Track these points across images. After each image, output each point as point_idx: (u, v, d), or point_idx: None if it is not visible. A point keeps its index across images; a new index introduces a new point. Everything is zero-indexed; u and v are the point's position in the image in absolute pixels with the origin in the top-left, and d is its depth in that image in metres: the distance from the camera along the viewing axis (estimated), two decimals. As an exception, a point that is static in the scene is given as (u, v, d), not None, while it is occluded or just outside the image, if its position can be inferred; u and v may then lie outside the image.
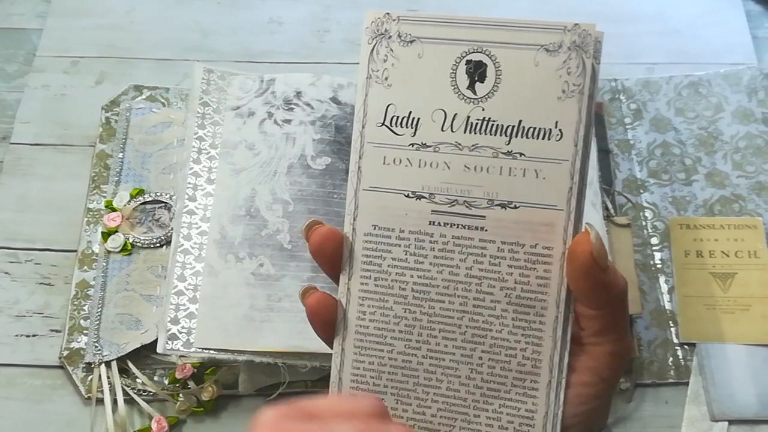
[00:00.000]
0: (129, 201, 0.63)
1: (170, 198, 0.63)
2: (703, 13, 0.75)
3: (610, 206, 0.63)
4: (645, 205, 0.64)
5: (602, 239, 0.32)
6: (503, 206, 0.33)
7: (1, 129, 0.69)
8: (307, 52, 0.74)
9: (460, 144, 0.33)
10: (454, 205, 0.33)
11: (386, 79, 0.34)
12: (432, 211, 0.33)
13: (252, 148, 0.61)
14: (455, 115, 0.33)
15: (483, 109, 0.33)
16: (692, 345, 0.58)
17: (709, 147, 0.66)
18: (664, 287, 0.61)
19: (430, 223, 0.33)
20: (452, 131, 0.33)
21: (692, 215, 0.63)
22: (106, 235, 0.61)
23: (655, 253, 0.62)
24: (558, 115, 0.32)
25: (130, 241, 0.61)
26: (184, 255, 0.57)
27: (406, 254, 0.34)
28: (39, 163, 0.67)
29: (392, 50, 0.34)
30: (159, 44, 0.74)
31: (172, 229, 0.60)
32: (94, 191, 0.64)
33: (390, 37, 0.34)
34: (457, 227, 0.33)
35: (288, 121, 0.62)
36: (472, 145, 0.33)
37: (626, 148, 0.67)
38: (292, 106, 0.63)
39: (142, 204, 0.63)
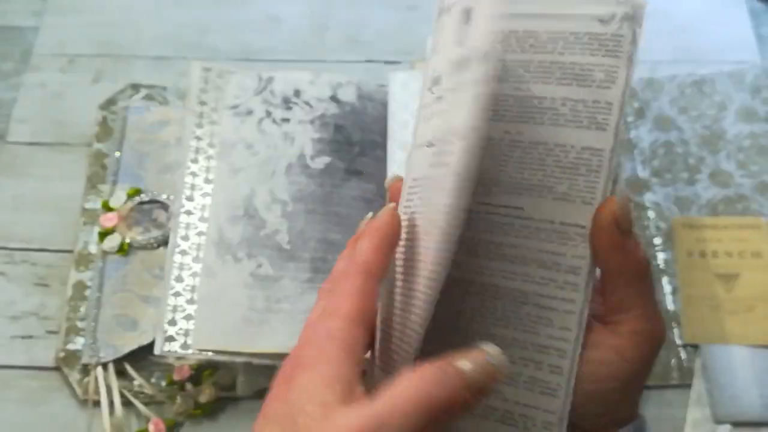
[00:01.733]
0: (126, 201, 0.62)
1: (168, 198, 0.62)
2: (706, 12, 0.75)
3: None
4: (648, 204, 0.64)
5: (629, 206, 0.32)
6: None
7: (-3, 128, 0.68)
8: (306, 50, 0.73)
9: (450, 89, 0.33)
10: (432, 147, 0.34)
11: (435, 47, 0.35)
12: (430, 155, 0.34)
13: (250, 147, 0.61)
14: (454, 63, 0.34)
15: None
16: (695, 347, 0.58)
17: (712, 146, 0.66)
18: (668, 288, 0.60)
19: (429, 167, 0.34)
20: (450, 79, 0.34)
21: (696, 215, 0.63)
22: (103, 235, 0.61)
23: (658, 253, 0.62)
24: None
25: (127, 241, 0.60)
26: (181, 256, 0.57)
27: (416, 198, 0.35)
28: (35, 162, 0.66)
29: (444, 22, 0.35)
30: (156, 42, 0.73)
31: (169, 230, 0.60)
32: (91, 191, 0.63)
33: (449, 10, 0.35)
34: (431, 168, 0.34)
35: (287, 120, 0.62)
36: (452, 89, 0.33)
37: (629, 147, 0.66)
38: (291, 104, 0.62)
39: (139, 204, 0.62)
